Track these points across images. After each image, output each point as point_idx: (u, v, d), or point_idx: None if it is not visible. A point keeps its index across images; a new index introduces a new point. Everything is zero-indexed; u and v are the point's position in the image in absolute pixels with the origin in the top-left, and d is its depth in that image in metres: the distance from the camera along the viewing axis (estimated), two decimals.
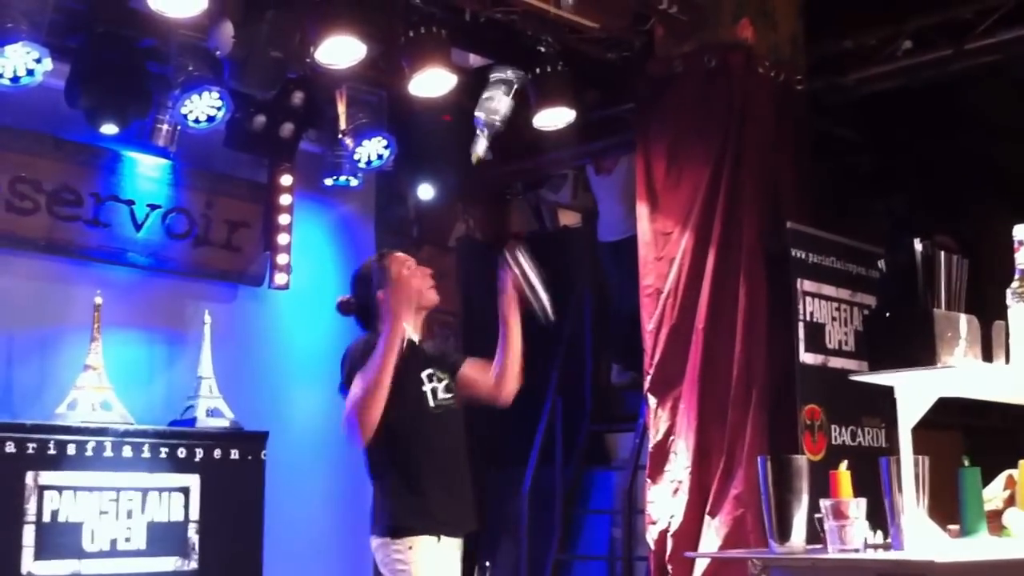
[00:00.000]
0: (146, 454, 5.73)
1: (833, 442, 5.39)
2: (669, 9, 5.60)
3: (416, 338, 4.14)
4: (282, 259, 6.75)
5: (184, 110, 5.59)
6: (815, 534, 3.18)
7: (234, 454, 6.01)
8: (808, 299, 5.44)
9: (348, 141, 6.27)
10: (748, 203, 5.53)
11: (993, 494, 3.39)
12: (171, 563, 5.74)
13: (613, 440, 7.53)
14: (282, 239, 6.75)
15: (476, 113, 5.91)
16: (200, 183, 6.55)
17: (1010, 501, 3.34)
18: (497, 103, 5.86)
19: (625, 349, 6.86)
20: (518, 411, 4.35)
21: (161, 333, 6.44)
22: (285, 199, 6.74)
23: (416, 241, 7.31)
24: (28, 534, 5.32)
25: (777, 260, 5.44)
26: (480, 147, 5.97)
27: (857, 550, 3.07)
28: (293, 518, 6.43)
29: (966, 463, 3.18)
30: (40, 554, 5.33)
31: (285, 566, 6.21)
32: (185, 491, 5.84)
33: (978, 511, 3.16)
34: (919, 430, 3.11)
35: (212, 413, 6.07)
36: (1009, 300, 3.12)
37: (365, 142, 6.26)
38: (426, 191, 6.86)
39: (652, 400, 5.66)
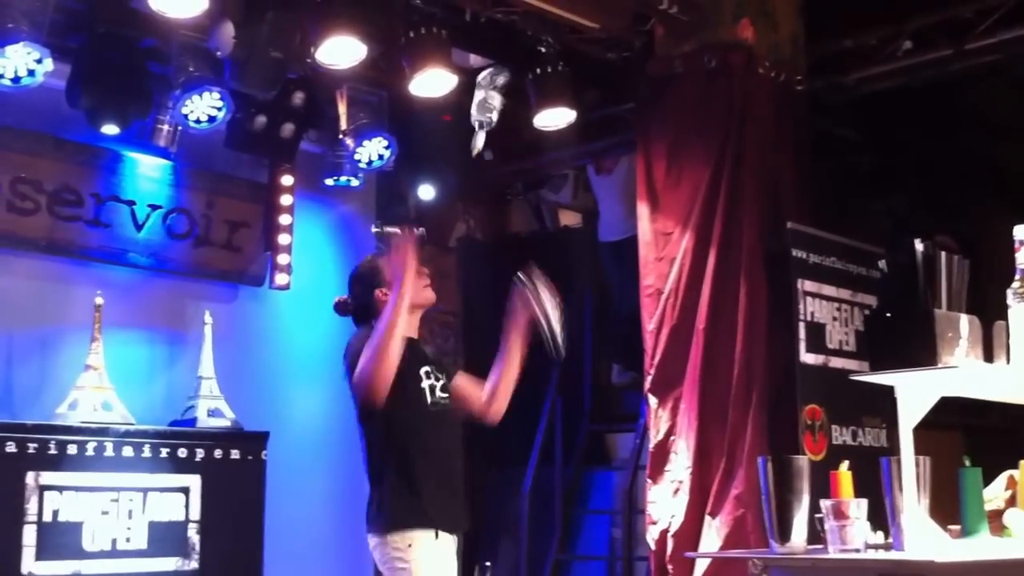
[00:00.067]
0: (147, 454, 5.73)
1: (834, 442, 5.39)
2: (669, 9, 5.60)
3: (414, 335, 4.15)
4: (283, 259, 6.75)
5: (185, 110, 5.59)
6: (816, 534, 3.18)
7: (235, 454, 6.01)
8: (809, 299, 5.45)
9: (349, 141, 6.27)
10: (748, 203, 5.53)
11: (994, 494, 3.39)
12: (172, 563, 5.74)
13: (613, 440, 7.53)
14: (283, 239, 6.75)
15: (473, 114, 5.93)
16: (201, 183, 6.56)
17: (1011, 501, 3.34)
18: (492, 100, 5.89)
19: (625, 349, 6.86)
20: (518, 411, 4.34)
21: (162, 333, 6.44)
22: (286, 199, 6.75)
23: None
24: (29, 534, 5.32)
25: (777, 260, 5.45)
26: (479, 141, 6.01)
27: (858, 550, 3.07)
28: (294, 518, 6.43)
29: (967, 463, 3.18)
30: (41, 554, 5.33)
31: (285, 566, 6.21)
32: (185, 491, 5.84)
33: (979, 511, 3.16)
34: (920, 430, 3.11)
35: (213, 413, 6.07)
36: (1010, 300, 3.12)
37: (366, 142, 6.26)
38: (426, 191, 6.87)
39: (652, 400, 5.66)
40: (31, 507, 5.34)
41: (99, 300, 5.85)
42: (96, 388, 5.76)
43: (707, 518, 5.34)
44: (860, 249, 5.71)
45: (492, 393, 4.19)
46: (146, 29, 5.42)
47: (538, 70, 5.82)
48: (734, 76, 5.64)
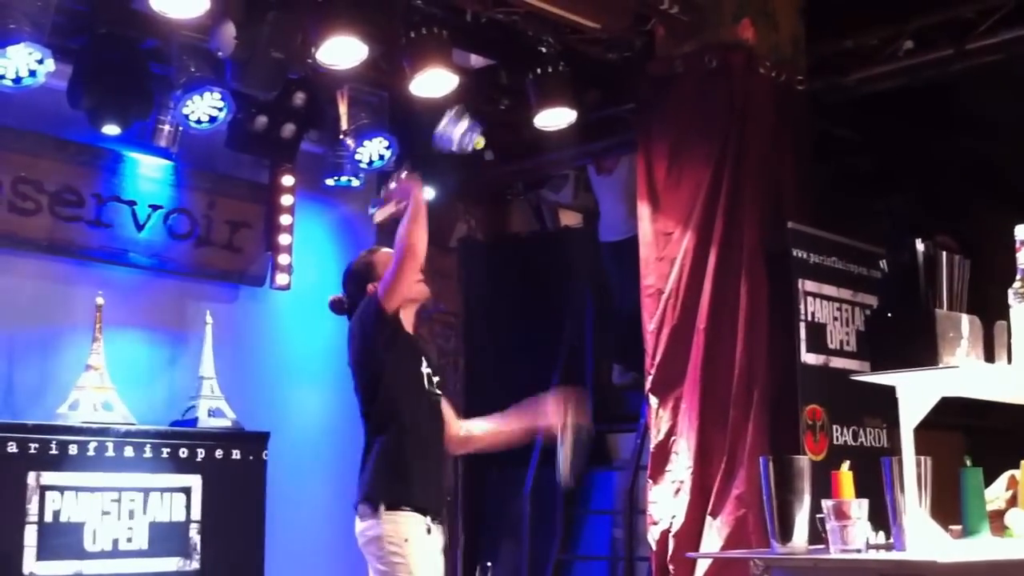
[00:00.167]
0: (148, 454, 5.74)
1: (835, 442, 5.39)
2: (670, 9, 5.60)
3: (409, 331, 4.19)
4: (283, 259, 6.76)
5: (186, 111, 5.59)
6: (817, 534, 3.19)
7: (235, 454, 6.01)
8: (809, 299, 5.45)
9: (349, 141, 6.27)
10: (749, 203, 5.53)
11: (995, 494, 3.39)
12: (173, 563, 5.75)
13: (614, 440, 7.51)
14: (283, 239, 6.76)
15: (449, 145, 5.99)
16: (202, 183, 6.56)
17: (1012, 501, 3.34)
18: (455, 128, 5.93)
19: (626, 349, 6.85)
20: None
21: (163, 333, 6.44)
22: (286, 199, 6.75)
23: None
24: (30, 534, 5.33)
25: (778, 260, 5.45)
26: (459, 131, 6.04)
27: (859, 550, 3.07)
28: (294, 518, 6.43)
29: (968, 463, 3.18)
30: (42, 554, 5.33)
31: (286, 566, 6.22)
32: (187, 491, 5.84)
33: (980, 511, 3.16)
34: (921, 430, 3.11)
35: (213, 413, 6.08)
36: (1011, 300, 3.12)
37: (366, 142, 6.26)
38: (427, 191, 6.86)
39: (653, 400, 5.66)
40: (32, 507, 5.35)
41: (100, 300, 5.85)
42: (97, 388, 5.77)
43: (708, 518, 5.33)
44: (860, 249, 5.71)
45: (468, 440, 4.37)
46: (147, 30, 5.42)
47: (538, 70, 5.82)
48: (735, 76, 5.64)
